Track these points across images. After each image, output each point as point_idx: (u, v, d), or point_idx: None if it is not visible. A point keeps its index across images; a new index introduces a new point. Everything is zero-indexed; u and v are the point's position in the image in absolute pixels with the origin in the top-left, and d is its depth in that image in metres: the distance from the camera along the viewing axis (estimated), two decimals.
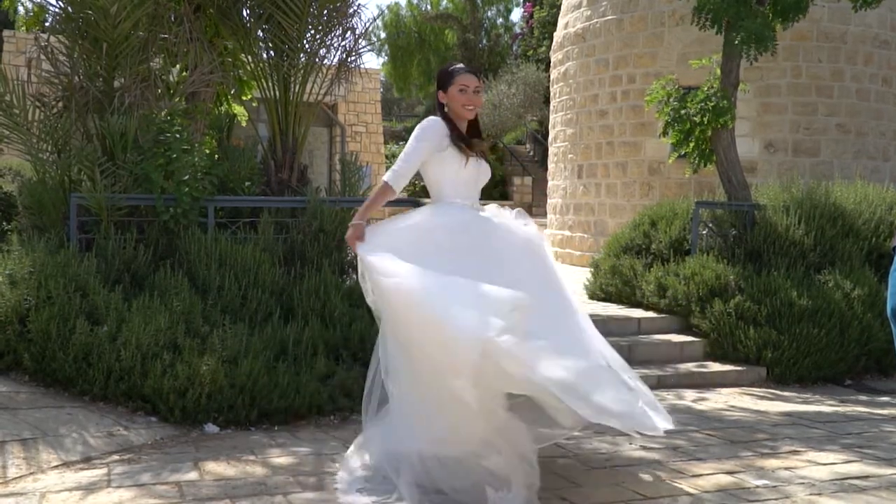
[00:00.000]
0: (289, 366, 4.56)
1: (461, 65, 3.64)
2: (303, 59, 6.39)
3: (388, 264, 3.26)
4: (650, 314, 6.89)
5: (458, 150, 3.51)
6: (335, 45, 6.59)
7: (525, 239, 3.57)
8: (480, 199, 3.71)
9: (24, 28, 7.33)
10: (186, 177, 5.17)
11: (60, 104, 5.66)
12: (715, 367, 6.21)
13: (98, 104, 5.57)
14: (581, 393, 2.99)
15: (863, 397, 5.84)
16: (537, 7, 24.62)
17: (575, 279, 7.64)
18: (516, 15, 31.17)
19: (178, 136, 5.26)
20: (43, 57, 5.70)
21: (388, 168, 4.78)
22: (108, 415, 4.24)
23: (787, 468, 3.82)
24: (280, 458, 3.80)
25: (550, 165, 13.50)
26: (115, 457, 3.75)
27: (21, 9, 7.69)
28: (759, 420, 4.90)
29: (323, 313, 5.00)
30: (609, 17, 11.61)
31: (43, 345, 4.44)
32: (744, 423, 4.79)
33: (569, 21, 12.54)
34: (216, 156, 6.11)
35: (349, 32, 6.58)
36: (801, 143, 10.73)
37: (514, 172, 22.24)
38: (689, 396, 5.55)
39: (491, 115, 20.93)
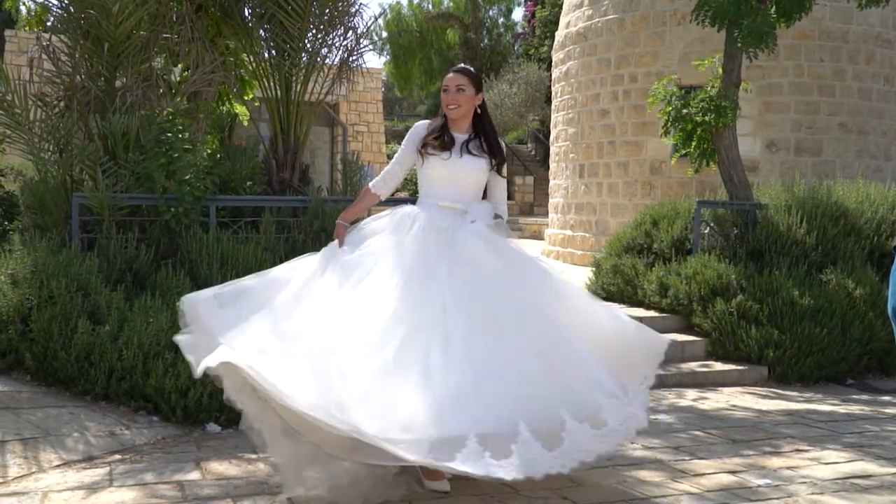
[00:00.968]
0: None
1: (456, 65, 3.66)
2: (304, 59, 6.40)
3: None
4: (652, 313, 6.88)
5: (435, 148, 3.48)
6: (337, 44, 6.61)
7: (492, 270, 3.31)
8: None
9: (25, 27, 7.34)
10: (188, 176, 5.17)
11: (62, 104, 5.66)
12: (717, 366, 6.21)
13: (100, 104, 5.58)
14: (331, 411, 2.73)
15: (865, 396, 5.83)
16: (539, 6, 24.62)
17: (576, 278, 7.63)
18: (518, 14, 31.23)
19: (179, 135, 5.27)
20: (45, 56, 5.70)
21: None
22: (109, 414, 4.24)
23: (789, 467, 3.81)
24: None
25: (552, 165, 13.50)
26: (117, 456, 3.75)
27: (23, 8, 7.71)
28: (760, 419, 4.89)
29: None
30: (611, 17, 11.60)
31: (45, 344, 4.44)
32: (746, 423, 4.78)
33: (570, 20, 12.53)
34: (218, 155, 6.12)
35: (351, 32, 6.59)
36: (802, 142, 10.72)
37: (515, 172, 22.21)
38: (690, 396, 5.55)
39: (493, 114, 20.85)
